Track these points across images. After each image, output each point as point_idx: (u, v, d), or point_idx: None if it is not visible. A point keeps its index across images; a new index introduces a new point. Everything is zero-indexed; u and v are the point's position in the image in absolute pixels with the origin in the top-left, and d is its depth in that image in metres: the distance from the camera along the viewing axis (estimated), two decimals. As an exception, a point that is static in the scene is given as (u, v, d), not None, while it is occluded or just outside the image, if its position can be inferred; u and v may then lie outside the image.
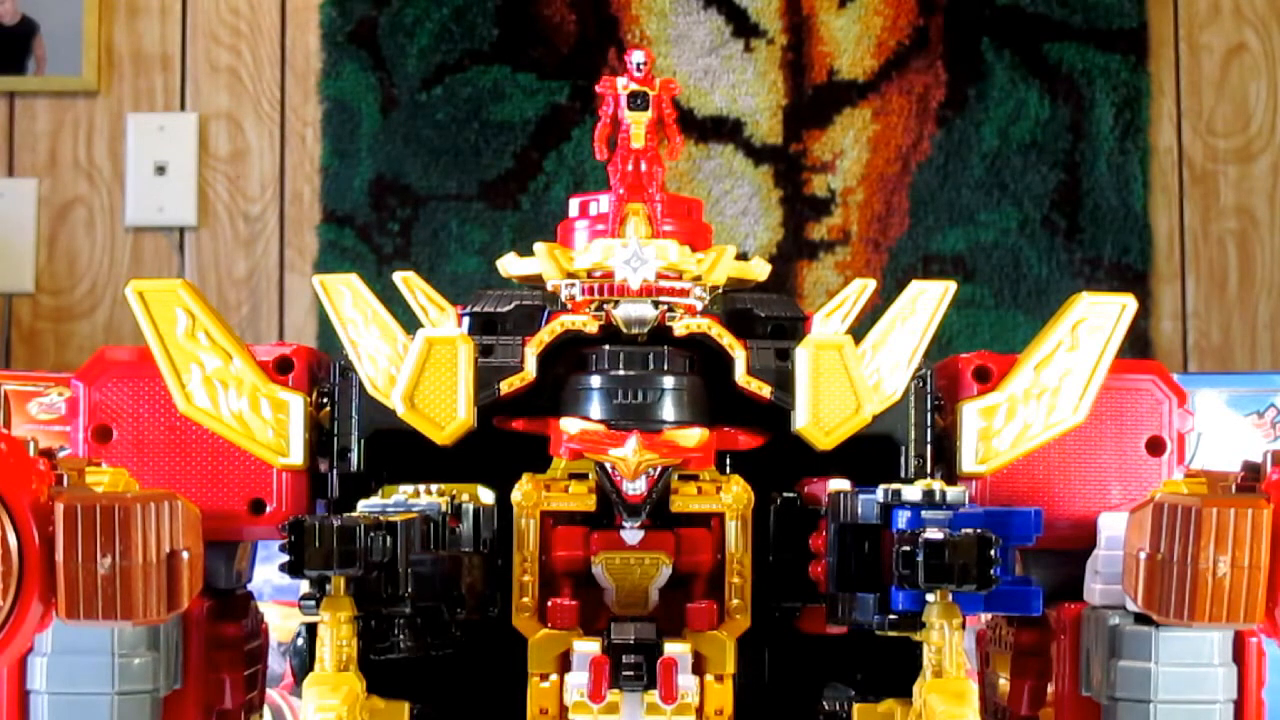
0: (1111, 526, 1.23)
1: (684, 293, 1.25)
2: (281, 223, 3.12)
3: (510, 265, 1.30)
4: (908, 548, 1.12)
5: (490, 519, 1.26)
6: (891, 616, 1.17)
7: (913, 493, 1.16)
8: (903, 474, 1.27)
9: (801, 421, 1.24)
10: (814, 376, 1.24)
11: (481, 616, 1.25)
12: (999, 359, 1.29)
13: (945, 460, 1.28)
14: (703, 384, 1.25)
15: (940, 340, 1.28)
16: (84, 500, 1.03)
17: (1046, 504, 1.27)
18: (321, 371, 1.30)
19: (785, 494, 1.28)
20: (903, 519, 1.15)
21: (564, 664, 1.20)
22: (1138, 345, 2.98)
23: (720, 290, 1.29)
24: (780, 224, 3.09)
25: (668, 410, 1.23)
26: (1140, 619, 1.20)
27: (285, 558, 1.12)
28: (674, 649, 1.18)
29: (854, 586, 1.19)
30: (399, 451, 1.28)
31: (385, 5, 3.11)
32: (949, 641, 1.15)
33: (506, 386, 1.25)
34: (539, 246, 1.27)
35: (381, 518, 1.15)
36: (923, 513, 1.15)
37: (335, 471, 1.28)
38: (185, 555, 1.08)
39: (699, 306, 1.26)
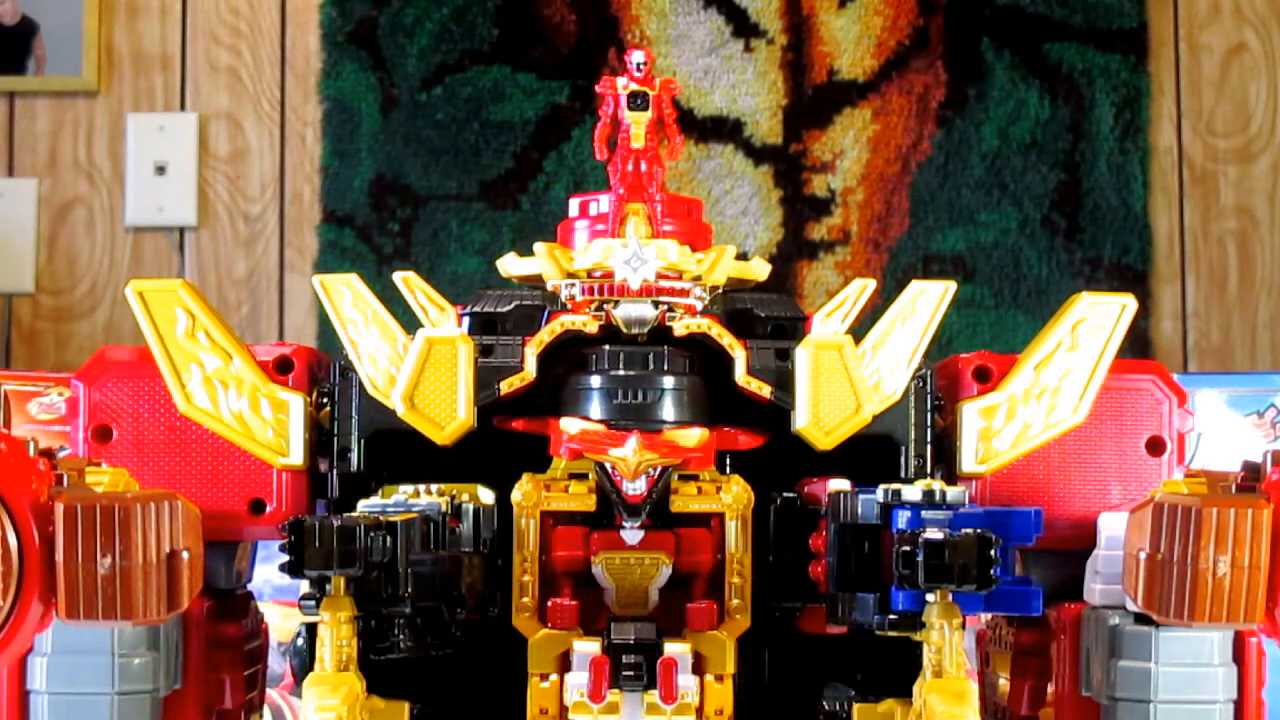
0: (1111, 526, 1.23)
1: (684, 293, 1.25)
2: (281, 223, 3.12)
3: (510, 265, 1.30)
4: (908, 548, 1.12)
5: (490, 519, 1.26)
6: (891, 616, 1.17)
7: (913, 493, 1.16)
8: (903, 474, 1.27)
9: (801, 421, 1.24)
10: (814, 376, 1.24)
11: (481, 616, 1.25)
12: (999, 359, 1.29)
13: (945, 460, 1.28)
14: (703, 384, 1.25)
15: (940, 340, 1.28)
16: (84, 500, 1.03)
17: (1046, 504, 1.27)
18: (321, 371, 1.30)
19: (785, 494, 1.28)
20: (903, 519, 1.15)
21: (564, 664, 1.20)
22: (1138, 345, 2.98)
23: (720, 290, 1.29)
24: (780, 224, 3.09)
25: (668, 410, 1.23)
26: (1140, 619, 1.20)
27: (285, 558, 1.12)
28: (674, 649, 1.18)
29: (854, 586, 1.19)
30: (399, 451, 1.28)
31: (385, 5, 3.11)
32: (949, 641, 1.15)
33: (506, 386, 1.25)
34: (539, 246, 1.27)
35: (381, 518, 1.15)
36: (923, 513, 1.15)
37: (335, 471, 1.28)
38: (185, 555, 1.08)
39: (699, 306, 1.26)
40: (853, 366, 1.24)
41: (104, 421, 1.28)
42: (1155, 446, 1.30)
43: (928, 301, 1.26)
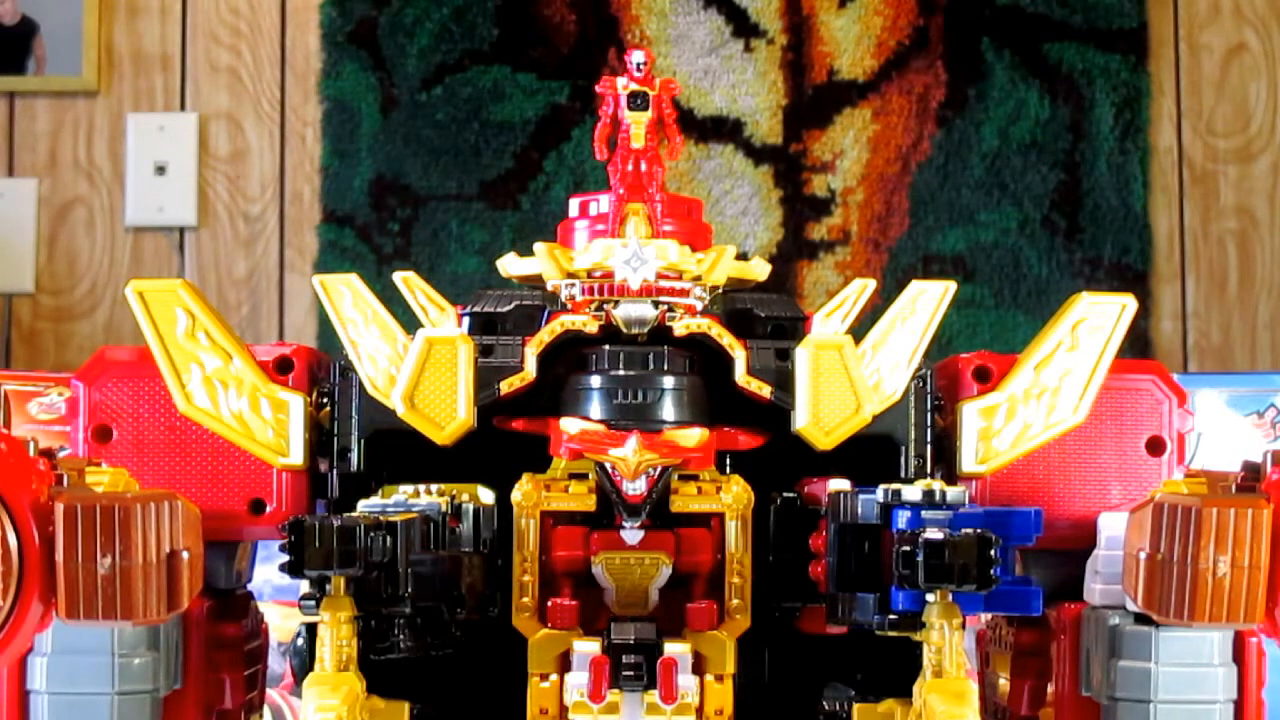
0: (1111, 526, 1.23)
1: (684, 293, 1.25)
2: (281, 223, 3.12)
3: (510, 265, 1.30)
4: (908, 548, 1.12)
5: (490, 519, 1.26)
6: (891, 616, 1.17)
7: (913, 493, 1.16)
8: (903, 474, 1.27)
9: (801, 421, 1.24)
10: (814, 376, 1.24)
11: (481, 616, 1.25)
12: (999, 359, 1.29)
13: (945, 460, 1.28)
14: (703, 384, 1.25)
15: (940, 340, 1.28)
16: (84, 500, 1.03)
17: (1046, 504, 1.27)
18: (321, 371, 1.30)
19: (785, 494, 1.28)
20: (903, 519, 1.15)
21: (564, 664, 1.20)
22: (1138, 345, 2.98)
23: (720, 290, 1.29)
24: (780, 224, 3.09)
25: (668, 410, 1.23)
26: (1140, 619, 1.20)
27: (285, 558, 1.12)
28: (674, 649, 1.18)
29: (854, 586, 1.19)
30: (399, 451, 1.28)
31: (385, 5, 3.11)
32: (949, 641, 1.15)
33: (506, 386, 1.25)
34: (539, 246, 1.27)
35: (381, 518, 1.15)
36: (923, 513, 1.15)
37: (335, 471, 1.28)
38: (185, 555, 1.08)
39: (699, 306, 1.26)
40: (853, 366, 1.24)
41: (104, 421, 1.28)
42: (1155, 446, 1.30)
43: (928, 301, 1.26)
